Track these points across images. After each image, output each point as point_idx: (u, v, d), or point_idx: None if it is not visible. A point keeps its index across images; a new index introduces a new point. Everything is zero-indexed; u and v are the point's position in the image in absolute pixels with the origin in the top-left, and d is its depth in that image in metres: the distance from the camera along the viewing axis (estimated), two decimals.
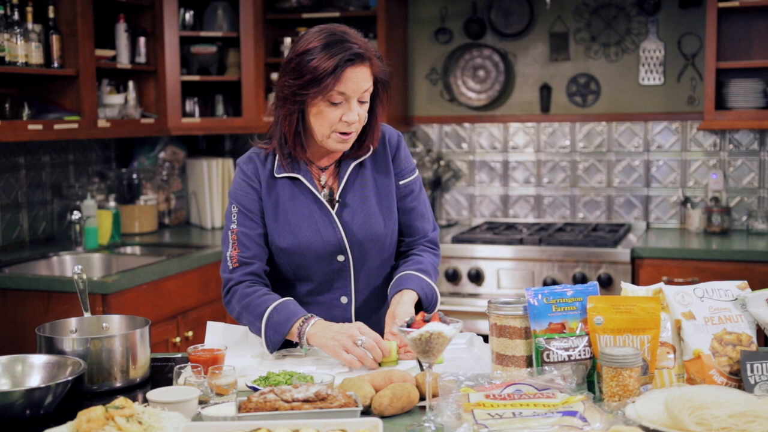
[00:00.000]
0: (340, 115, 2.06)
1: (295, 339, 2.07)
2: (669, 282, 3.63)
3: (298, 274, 2.21)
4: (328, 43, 2.03)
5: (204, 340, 2.25)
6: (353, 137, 2.12)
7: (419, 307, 2.19)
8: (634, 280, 3.88)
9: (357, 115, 2.07)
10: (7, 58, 3.44)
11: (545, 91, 4.57)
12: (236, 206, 2.19)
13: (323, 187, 2.20)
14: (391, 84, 2.18)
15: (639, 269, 3.90)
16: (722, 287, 1.88)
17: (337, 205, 2.18)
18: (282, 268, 2.22)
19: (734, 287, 1.88)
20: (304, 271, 2.20)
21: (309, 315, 2.08)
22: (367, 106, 2.10)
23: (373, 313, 2.26)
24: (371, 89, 2.09)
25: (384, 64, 2.13)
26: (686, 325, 1.79)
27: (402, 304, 2.11)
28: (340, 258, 2.19)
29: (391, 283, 2.21)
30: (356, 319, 2.23)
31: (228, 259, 2.18)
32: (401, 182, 2.26)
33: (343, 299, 2.22)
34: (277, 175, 2.18)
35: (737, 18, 4.14)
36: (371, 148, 2.22)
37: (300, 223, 2.17)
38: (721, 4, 3.96)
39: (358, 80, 2.04)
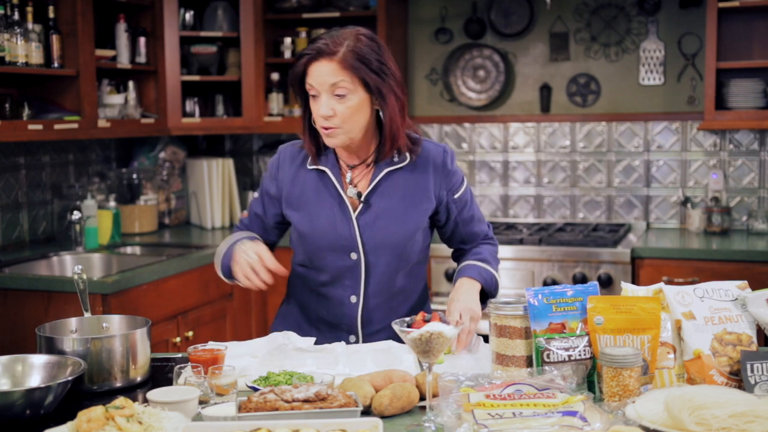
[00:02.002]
0: (317, 109, 2.13)
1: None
2: (669, 282, 3.63)
3: (313, 261, 2.26)
4: (304, 50, 2.16)
5: (204, 340, 2.25)
6: (339, 133, 2.14)
7: (483, 295, 2.25)
8: (634, 280, 3.88)
9: (330, 109, 2.10)
10: (7, 58, 3.44)
11: (545, 91, 4.57)
12: (259, 189, 2.37)
13: (350, 184, 2.25)
14: (393, 84, 2.17)
15: (639, 269, 3.90)
16: (722, 287, 1.88)
17: (361, 205, 2.22)
18: (299, 253, 2.30)
19: (734, 287, 1.88)
20: (317, 260, 2.25)
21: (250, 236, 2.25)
22: (348, 102, 2.11)
23: (381, 318, 2.26)
24: (346, 85, 2.10)
25: (373, 67, 2.11)
26: (686, 325, 1.79)
27: (460, 292, 2.18)
28: (353, 256, 2.21)
29: (453, 277, 2.30)
30: (362, 322, 2.26)
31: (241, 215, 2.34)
32: (455, 196, 2.30)
33: (353, 298, 2.24)
34: (309, 167, 2.26)
35: (737, 18, 4.14)
36: (408, 157, 2.25)
37: (318, 212, 2.23)
38: (721, 4, 3.95)
39: (322, 74, 2.09)
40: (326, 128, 2.13)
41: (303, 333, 2.26)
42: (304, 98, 2.19)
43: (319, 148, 2.25)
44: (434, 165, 2.27)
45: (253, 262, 2.11)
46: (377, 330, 2.26)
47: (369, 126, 2.19)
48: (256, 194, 2.38)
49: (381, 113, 2.18)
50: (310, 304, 2.31)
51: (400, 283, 2.27)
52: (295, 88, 2.19)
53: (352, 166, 2.25)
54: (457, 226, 2.34)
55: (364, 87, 2.12)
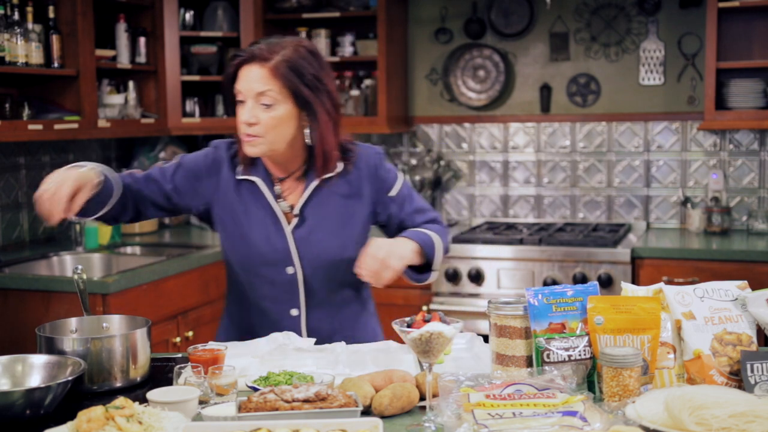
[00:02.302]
0: (241, 115, 2.09)
1: None
2: (669, 282, 3.63)
3: (249, 277, 2.21)
4: (238, 51, 2.12)
5: (204, 340, 2.25)
6: (260, 142, 2.08)
7: (427, 266, 2.20)
8: (634, 280, 3.88)
9: (253, 117, 2.06)
10: (7, 58, 3.44)
11: (545, 91, 4.57)
12: (178, 166, 2.22)
13: (279, 197, 2.19)
14: (323, 101, 2.11)
15: (639, 269, 3.90)
16: (722, 287, 1.88)
17: (295, 219, 2.18)
18: (236, 271, 2.23)
19: (734, 287, 1.88)
20: (254, 277, 2.20)
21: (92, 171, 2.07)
22: (274, 112, 2.06)
23: (325, 326, 2.24)
24: (273, 95, 2.05)
25: (306, 80, 2.07)
26: (686, 325, 1.79)
27: (384, 239, 2.11)
28: (290, 270, 2.18)
29: None
30: (308, 334, 2.22)
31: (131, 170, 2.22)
32: (392, 193, 2.25)
33: (293, 312, 2.21)
34: (237, 177, 2.19)
35: (737, 18, 4.14)
36: (340, 167, 2.19)
37: (251, 227, 2.17)
38: (721, 4, 3.96)
39: (250, 80, 2.05)
40: (248, 135, 2.08)
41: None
42: (234, 105, 2.14)
43: (248, 157, 2.17)
44: (367, 168, 2.23)
45: (53, 190, 1.93)
46: (325, 338, 2.21)
47: (296, 140, 2.14)
48: (165, 164, 2.25)
49: (310, 130, 2.13)
50: (250, 318, 2.26)
51: (342, 292, 2.24)
52: (227, 91, 2.13)
53: (281, 179, 2.20)
54: (403, 222, 2.28)
55: (293, 99, 2.08)
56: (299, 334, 2.21)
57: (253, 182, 2.19)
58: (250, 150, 2.11)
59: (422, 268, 2.22)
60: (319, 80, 2.10)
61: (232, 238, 2.20)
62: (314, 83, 2.09)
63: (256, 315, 2.25)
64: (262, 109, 2.07)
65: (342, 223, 2.20)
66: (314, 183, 2.18)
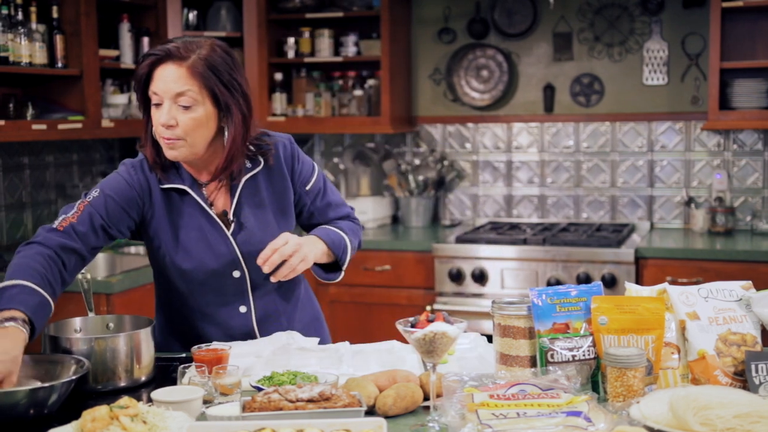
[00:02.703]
0: (158, 117, 2.01)
1: None
2: (673, 282, 3.63)
3: (192, 288, 2.17)
4: (151, 49, 2.03)
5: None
6: (181, 145, 2.01)
7: (336, 266, 2.23)
8: (638, 280, 3.88)
9: (172, 119, 1.98)
10: (11, 58, 3.44)
11: (549, 91, 4.57)
12: (103, 194, 2.06)
13: (208, 202, 2.14)
14: (239, 102, 2.05)
15: (643, 269, 3.90)
16: (726, 287, 1.87)
17: (233, 225, 2.15)
18: (176, 283, 2.17)
19: (738, 287, 1.87)
20: (199, 287, 2.16)
21: (14, 315, 1.80)
22: (193, 114, 2.00)
23: (275, 318, 2.25)
24: (193, 95, 1.99)
25: (223, 80, 2.02)
26: (690, 326, 1.79)
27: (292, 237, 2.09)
28: (236, 274, 2.16)
29: None
30: (258, 328, 2.21)
31: (60, 219, 2.00)
32: (307, 187, 2.26)
33: (242, 308, 2.20)
34: (162, 186, 2.11)
35: (741, 18, 4.14)
36: (262, 161, 2.17)
37: (190, 238, 2.11)
38: (725, 4, 3.95)
39: (166, 80, 1.97)
40: (167, 139, 2.01)
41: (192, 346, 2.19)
42: (147, 105, 2.05)
43: (165, 164, 2.10)
44: (285, 158, 2.21)
45: None
46: (271, 327, 2.23)
47: (214, 141, 2.08)
48: (88, 198, 2.05)
49: (225, 130, 2.06)
50: (194, 323, 2.21)
51: (284, 285, 2.24)
52: (138, 93, 2.04)
53: (205, 183, 2.14)
54: (313, 215, 2.29)
55: (212, 100, 2.02)
56: (250, 327, 2.21)
57: (181, 190, 2.12)
58: (171, 153, 2.03)
59: (331, 266, 2.25)
60: (234, 79, 2.05)
61: (172, 251, 2.12)
62: (231, 82, 2.04)
63: (202, 320, 2.20)
64: (181, 111, 1.99)
65: (277, 215, 2.20)
66: (241, 183, 2.14)
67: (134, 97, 4.16)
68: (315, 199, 2.28)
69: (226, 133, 2.07)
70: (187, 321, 2.22)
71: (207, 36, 2.09)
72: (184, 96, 1.99)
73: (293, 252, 2.07)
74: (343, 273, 2.28)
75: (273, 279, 2.09)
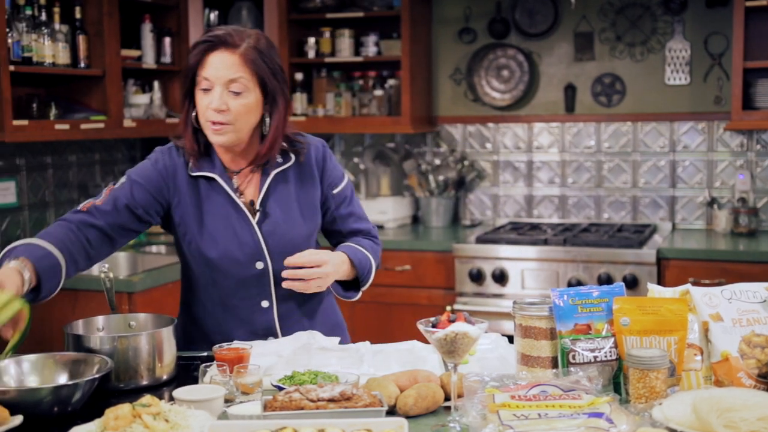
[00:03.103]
0: (208, 102, 2.05)
1: None
2: (695, 283, 3.60)
3: (216, 277, 2.19)
4: (205, 35, 2.08)
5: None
6: (229, 130, 2.07)
7: (356, 282, 2.24)
8: (660, 281, 3.85)
9: (224, 104, 2.03)
10: (34, 59, 3.47)
11: (570, 91, 4.55)
12: (130, 180, 2.12)
13: (237, 191, 2.17)
14: (283, 89, 2.12)
15: (665, 270, 3.87)
16: (750, 289, 1.86)
17: (258, 214, 2.17)
18: (200, 272, 2.20)
19: (762, 289, 1.86)
20: (221, 276, 2.18)
21: (18, 260, 1.87)
22: (244, 100, 2.06)
23: (297, 319, 2.25)
24: (245, 82, 2.05)
25: (275, 69, 2.09)
26: (714, 327, 1.78)
27: (327, 253, 2.11)
28: (259, 265, 2.17)
29: None
30: (280, 325, 2.22)
31: (84, 203, 2.08)
32: (334, 191, 2.27)
33: (264, 303, 2.21)
34: (192, 174, 2.15)
35: (765, 17, 4.10)
36: (293, 158, 2.21)
37: (218, 227, 2.14)
38: (749, 3, 3.92)
39: (219, 66, 2.03)
40: (216, 123, 2.06)
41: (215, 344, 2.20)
42: (190, 92, 2.10)
43: (201, 152, 2.15)
44: (316, 160, 2.24)
45: None
46: (293, 326, 2.23)
47: (256, 129, 2.14)
48: (115, 185, 2.12)
49: (269, 117, 2.13)
50: (217, 317, 2.23)
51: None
52: (186, 79, 2.08)
53: (237, 172, 2.18)
54: (335, 221, 2.29)
55: (260, 87, 2.08)
56: (272, 324, 2.22)
57: (210, 179, 2.15)
58: (218, 138, 2.08)
59: (351, 284, 2.25)
60: (280, 68, 2.12)
61: (198, 238, 2.15)
62: (278, 71, 2.10)
63: (223, 313, 2.22)
64: (232, 97, 2.04)
65: (303, 212, 2.21)
66: (271, 176, 2.18)
67: (156, 96, 4.21)
68: (339, 206, 2.29)
69: (267, 121, 2.13)
70: (210, 317, 2.23)
71: (246, 28, 2.14)
72: (236, 82, 2.04)
73: (318, 276, 2.08)
74: (360, 294, 2.28)
75: (284, 285, 2.10)
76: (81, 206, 2.07)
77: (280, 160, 2.20)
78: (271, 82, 2.08)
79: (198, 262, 2.18)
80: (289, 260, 2.07)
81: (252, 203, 2.17)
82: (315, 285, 2.09)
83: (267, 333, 2.22)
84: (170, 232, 2.23)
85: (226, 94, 2.04)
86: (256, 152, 2.16)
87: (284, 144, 2.20)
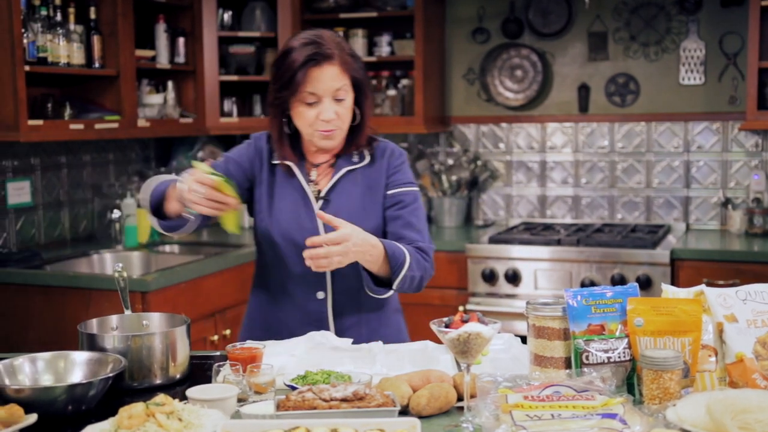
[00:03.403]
0: (316, 114, 2.15)
1: (178, 198, 2.09)
2: (710, 284, 3.59)
3: (277, 258, 2.26)
4: (297, 47, 2.13)
5: (240, 338, 2.27)
6: (338, 134, 2.19)
7: (387, 281, 2.17)
8: (674, 282, 3.84)
9: (334, 113, 2.14)
10: (49, 59, 3.49)
11: (583, 90, 4.54)
12: (224, 158, 2.32)
13: (312, 181, 2.27)
14: (368, 84, 2.24)
15: (679, 271, 3.86)
16: (765, 289, 1.84)
17: (321, 201, 2.24)
18: (264, 250, 2.30)
19: None
20: (283, 260, 2.25)
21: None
22: (346, 104, 2.17)
23: (351, 313, 2.27)
24: (346, 88, 2.16)
25: (360, 65, 2.20)
26: (728, 328, 1.77)
27: (354, 228, 2.06)
28: None
29: None
30: (334, 318, 2.25)
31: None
32: (389, 192, 2.27)
33: (320, 294, 2.25)
34: (274, 162, 2.28)
35: None
36: (367, 157, 2.28)
37: (283, 209, 2.25)
38: (764, 3, 3.90)
39: (326, 79, 2.12)
40: (328, 131, 2.16)
41: (271, 334, 2.24)
42: (281, 107, 2.18)
43: (290, 151, 2.26)
44: (388, 163, 2.30)
45: (192, 188, 1.99)
46: (349, 326, 2.26)
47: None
48: (219, 158, 2.33)
49: (360, 113, 2.23)
50: (276, 303, 2.30)
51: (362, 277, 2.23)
52: (285, 91, 2.14)
53: (316, 165, 2.28)
54: (385, 222, 2.28)
55: (353, 88, 2.18)
56: (325, 317, 2.25)
57: (287, 166, 2.26)
58: (329, 143, 2.20)
59: (383, 282, 2.19)
60: (361, 60, 2.22)
61: (266, 217, 2.27)
62: (363, 67, 2.22)
63: (282, 298, 2.29)
64: (337, 104, 2.15)
65: (363, 210, 2.25)
66: (343, 170, 2.26)
67: (170, 96, 4.22)
68: (391, 207, 2.27)
69: (358, 112, 2.23)
70: (271, 301, 2.31)
71: (317, 29, 2.22)
72: (340, 90, 2.15)
73: (338, 253, 2.02)
74: (391, 291, 2.20)
75: (307, 262, 2.04)
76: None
77: (355, 158, 2.28)
78: (361, 81, 2.20)
79: (265, 243, 2.29)
80: (311, 239, 2.03)
81: (319, 192, 2.26)
82: (336, 261, 2.03)
83: (320, 325, 2.25)
84: (251, 214, 2.35)
85: (333, 103, 2.15)
86: (339, 147, 2.26)
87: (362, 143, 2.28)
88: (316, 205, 2.24)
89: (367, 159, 2.29)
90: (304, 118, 2.16)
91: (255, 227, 2.33)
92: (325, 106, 2.14)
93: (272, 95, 2.19)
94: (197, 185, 1.99)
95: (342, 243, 2.03)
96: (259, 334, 2.29)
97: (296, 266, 2.23)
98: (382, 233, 2.28)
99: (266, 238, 2.27)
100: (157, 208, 2.19)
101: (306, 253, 2.02)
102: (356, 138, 2.25)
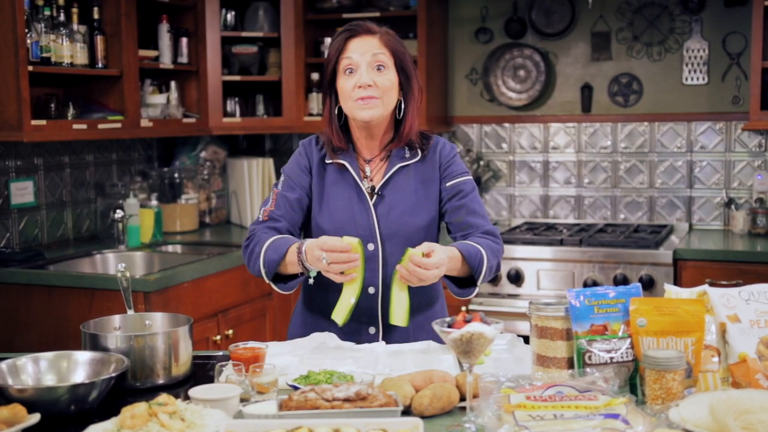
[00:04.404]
0: (355, 82, 2.17)
1: (297, 263, 2.11)
2: (713, 284, 3.58)
3: None
4: (344, 28, 2.23)
5: (244, 338, 2.27)
6: (377, 103, 2.18)
7: (470, 280, 2.19)
8: (677, 282, 3.84)
9: (371, 80, 2.16)
10: (53, 59, 3.49)
11: (586, 90, 4.53)
12: (284, 176, 2.33)
13: (367, 177, 2.28)
14: (415, 74, 2.26)
15: (681, 271, 3.85)
16: None
17: (376, 197, 2.25)
18: None
19: None
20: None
21: (304, 241, 2.14)
22: (387, 75, 2.18)
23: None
24: (385, 59, 2.18)
25: (403, 47, 2.22)
26: (731, 328, 1.77)
27: (436, 246, 2.08)
28: (370, 246, 2.22)
29: None
30: (382, 311, 2.24)
31: (261, 212, 2.29)
32: (448, 184, 2.29)
33: (371, 289, 2.24)
34: (327, 161, 2.29)
35: None
36: (419, 154, 2.28)
37: (338, 206, 2.25)
38: None
39: (363, 47, 2.17)
40: (364, 98, 2.17)
41: (322, 329, 2.25)
42: (331, 87, 2.23)
43: (342, 145, 2.27)
44: (440, 156, 2.31)
45: (335, 261, 2.02)
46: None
47: (392, 113, 2.26)
48: (278, 188, 2.31)
49: (404, 102, 2.24)
50: (328, 297, 2.27)
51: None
52: (328, 71, 2.21)
53: (368, 160, 2.29)
54: (447, 213, 2.29)
55: (396, 69, 2.20)
56: (375, 312, 2.24)
57: (342, 165, 2.27)
58: (367, 113, 2.18)
59: (466, 281, 2.21)
60: (413, 59, 2.25)
61: (317, 211, 2.27)
62: (411, 59, 2.24)
63: (334, 294, 2.23)
64: (376, 73, 2.17)
65: (419, 203, 2.26)
66: (396, 166, 2.26)
67: (173, 96, 4.23)
68: (452, 198, 2.29)
69: (403, 106, 2.24)
70: (322, 298, 2.28)
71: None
72: (378, 58, 2.18)
73: (430, 276, 2.04)
74: (477, 289, 2.24)
75: (399, 278, 2.07)
76: (261, 216, 2.28)
77: (407, 154, 2.29)
78: (406, 65, 2.21)
79: (316, 236, 2.25)
80: (420, 261, 2.03)
81: (373, 188, 2.27)
82: (431, 278, 2.05)
83: (369, 321, 2.24)
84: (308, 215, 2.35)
85: (372, 71, 2.17)
86: (387, 140, 2.29)
87: (414, 139, 2.29)
88: (371, 201, 2.24)
89: (419, 155, 2.29)
90: (344, 89, 2.18)
91: (309, 224, 2.32)
92: (362, 71, 2.16)
93: (325, 79, 2.24)
94: (337, 255, 2.01)
95: (440, 267, 2.04)
96: (310, 323, 2.31)
97: None
98: (437, 227, 2.32)
99: (321, 233, 2.24)
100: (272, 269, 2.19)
101: (404, 270, 2.03)
102: (402, 130, 2.25)
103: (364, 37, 2.19)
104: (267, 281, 2.20)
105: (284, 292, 2.23)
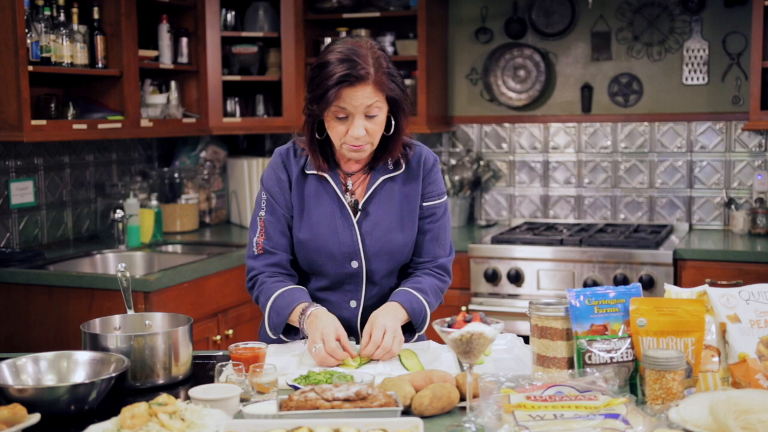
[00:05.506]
0: (346, 129, 2.10)
1: (297, 323, 2.13)
2: (713, 284, 3.58)
3: (313, 269, 2.24)
4: (333, 62, 2.07)
5: (243, 338, 2.27)
6: (367, 148, 2.14)
7: (408, 326, 2.21)
8: (677, 282, 3.84)
9: (363, 130, 2.09)
10: (53, 59, 3.49)
11: (586, 90, 4.53)
12: (266, 194, 2.26)
13: (348, 191, 2.23)
14: (406, 100, 2.18)
15: (681, 271, 3.85)
16: None
17: (359, 213, 2.21)
18: (299, 259, 2.26)
19: None
20: (317, 268, 2.23)
21: (308, 304, 2.14)
22: (378, 119, 2.11)
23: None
24: (378, 104, 2.10)
25: (397, 82, 2.14)
26: (731, 328, 1.77)
27: (383, 312, 2.12)
28: (354, 264, 2.20)
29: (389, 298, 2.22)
30: (361, 324, 2.24)
31: (254, 244, 2.25)
32: (425, 204, 2.27)
33: (352, 303, 2.24)
34: (307, 172, 2.24)
35: None
36: (403, 166, 2.25)
37: (320, 220, 2.21)
38: None
39: (358, 98, 2.07)
40: (357, 146, 2.12)
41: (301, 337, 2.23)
42: (314, 115, 2.14)
43: (324, 160, 2.22)
44: (424, 169, 2.27)
45: (322, 359, 2.01)
46: None
47: None
48: (262, 212, 2.26)
49: (393, 122, 2.17)
50: None
51: (393, 284, 2.27)
52: (316, 108, 2.10)
53: (351, 174, 2.24)
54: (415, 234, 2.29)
55: (387, 102, 2.13)
56: (355, 324, 2.24)
57: (323, 177, 2.23)
58: (357, 155, 2.15)
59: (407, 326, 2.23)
60: (400, 76, 2.17)
61: (300, 230, 2.23)
62: (400, 82, 2.16)
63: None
64: (368, 121, 2.10)
65: (404, 219, 2.24)
66: (379, 180, 2.23)
67: (173, 96, 4.23)
68: (424, 219, 2.28)
69: (393, 123, 2.18)
70: None
71: (359, 38, 2.18)
72: (372, 108, 2.09)
73: (391, 342, 2.07)
74: (415, 336, 2.28)
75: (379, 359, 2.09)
76: (254, 249, 2.24)
77: (390, 166, 2.25)
78: (397, 95, 2.14)
79: (299, 252, 2.25)
80: (367, 353, 2.06)
81: (356, 203, 2.23)
82: (396, 346, 2.08)
83: (349, 333, 2.22)
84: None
85: (364, 119, 2.10)
86: (372, 156, 2.22)
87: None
88: (354, 219, 2.21)
89: (403, 167, 2.25)
90: (334, 131, 2.12)
91: (293, 237, 2.28)
92: (356, 123, 2.09)
93: (305, 105, 2.16)
94: (326, 357, 2.01)
95: (395, 333, 2.07)
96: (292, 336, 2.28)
97: (333, 278, 2.23)
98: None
99: (303, 250, 2.23)
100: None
101: (373, 352, 2.05)
102: (389, 148, 2.20)
103: (357, 87, 2.06)
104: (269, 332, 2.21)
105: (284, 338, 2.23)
